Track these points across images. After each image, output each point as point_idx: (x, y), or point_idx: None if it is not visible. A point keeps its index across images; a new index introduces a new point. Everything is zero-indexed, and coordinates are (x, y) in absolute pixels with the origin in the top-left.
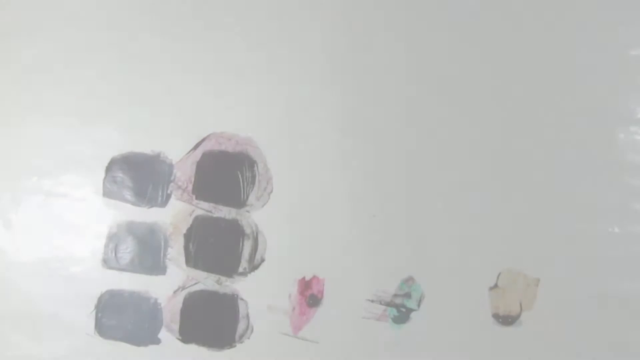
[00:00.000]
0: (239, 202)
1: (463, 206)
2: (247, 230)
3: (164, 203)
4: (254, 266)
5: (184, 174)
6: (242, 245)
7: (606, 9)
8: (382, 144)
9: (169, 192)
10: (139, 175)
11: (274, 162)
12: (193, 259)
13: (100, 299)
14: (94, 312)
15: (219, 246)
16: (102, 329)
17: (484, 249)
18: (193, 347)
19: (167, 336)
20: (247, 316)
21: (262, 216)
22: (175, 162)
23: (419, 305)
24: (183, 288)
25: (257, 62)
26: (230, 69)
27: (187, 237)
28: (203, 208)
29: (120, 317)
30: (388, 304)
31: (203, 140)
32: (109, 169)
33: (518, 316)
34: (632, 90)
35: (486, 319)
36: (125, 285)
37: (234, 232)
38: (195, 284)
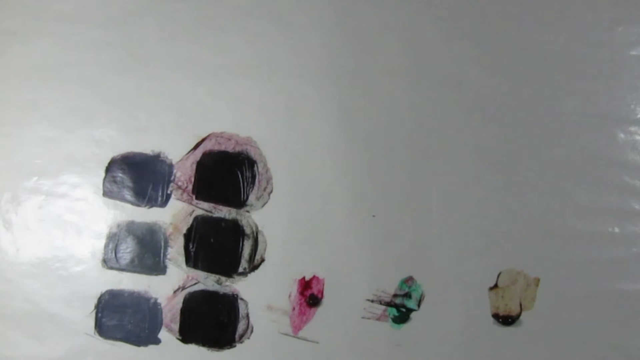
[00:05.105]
0: (239, 202)
1: (463, 206)
2: (247, 230)
3: (164, 203)
4: (254, 266)
5: (184, 174)
6: (242, 245)
7: (606, 8)
8: (382, 144)
9: (169, 192)
10: (139, 175)
11: (274, 162)
12: (193, 259)
13: (100, 299)
14: (94, 312)
15: (219, 246)
16: (102, 329)
17: (484, 249)
18: (193, 347)
19: (167, 336)
20: (247, 316)
21: (262, 216)
22: (175, 162)
23: (419, 305)
24: (183, 288)
25: (257, 62)
26: (230, 69)
27: (187, 237)
28: (203, 208)
29: (120, 317)
30: (388, 304)
31: (203, 140)
32: (109, 169)
33: (518, 316)
34: (632, 90)
35: (486, 319)
36: (125, 285)
37: (234, 232)
38: (195, 284)
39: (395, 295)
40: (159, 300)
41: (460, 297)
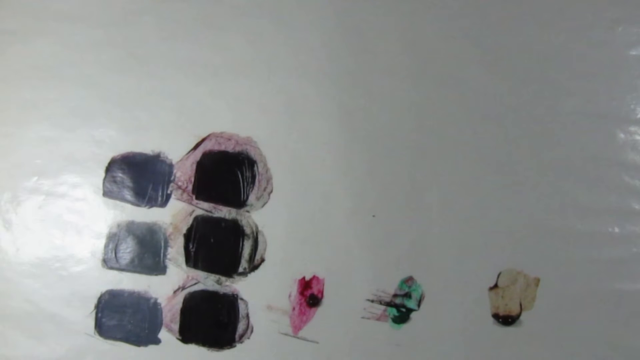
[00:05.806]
0: (239, 202)
1: (463, 206)
2: (247, 230)
3: (164, 203)
4: (254, 266)
5: (184, 174)
6: (242, 245)
7: (606, 8)
8: (382, 144)
9: (169, 192)
10: (139, 175)
11: (274, 162)
12: (193, 259)
13: (100, 299)
14: (94, 312)
15: (219, 246)
16: (102, 329)
17: (484, 249)
18: (193, 347)
19: (167, 336)
20: (247, 316)
21: (262, 216)
22: (175, 162)
23: (419, 305)
24: (183, 288)
25: (257, 62)
26: (230, 69)
27: (187, 237)
28: (203, 208)
29: (120, 317)
30: (388, 304)
31: (203, 140)
32: (109, 169)
33: (518, 316)
34: (632, 90)
35: (486, 319)
36: (125, 285)
37: (234, 232)
38: (195, 284)
39: (395, 295)
40: (159, 300)
41: (460, 297)
